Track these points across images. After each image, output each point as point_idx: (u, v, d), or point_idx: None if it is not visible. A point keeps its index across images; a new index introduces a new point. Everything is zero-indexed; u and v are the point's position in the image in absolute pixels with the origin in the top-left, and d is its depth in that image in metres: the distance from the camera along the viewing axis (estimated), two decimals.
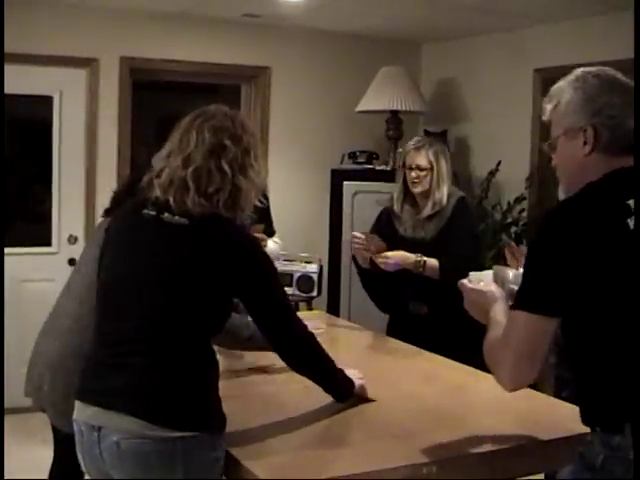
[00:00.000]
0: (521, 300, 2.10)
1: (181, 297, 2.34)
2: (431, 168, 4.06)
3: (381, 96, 6.51)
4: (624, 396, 2.04)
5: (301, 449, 2.53)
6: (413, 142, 4.18)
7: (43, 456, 3.57)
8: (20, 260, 5.85)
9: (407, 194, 4.18)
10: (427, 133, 6.79)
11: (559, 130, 2.21)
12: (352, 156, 6.77)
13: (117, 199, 3.33)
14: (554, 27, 5.96)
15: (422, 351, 3.68)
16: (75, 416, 2.43)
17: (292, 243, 6.61)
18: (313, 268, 6.45)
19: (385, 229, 4.26)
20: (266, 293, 2.48)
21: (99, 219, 3.34)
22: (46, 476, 3.40)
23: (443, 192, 4.06)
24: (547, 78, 5.86)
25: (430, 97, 6.97)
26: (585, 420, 2.14)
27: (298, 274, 6.22)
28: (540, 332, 2.06)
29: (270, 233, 4.80)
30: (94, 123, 6.07)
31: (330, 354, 2.68)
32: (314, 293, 6.43)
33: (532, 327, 2.06)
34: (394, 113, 6.62)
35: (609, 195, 2.08)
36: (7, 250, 5.96)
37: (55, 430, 3.25)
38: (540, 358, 2.08)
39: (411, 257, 3.95)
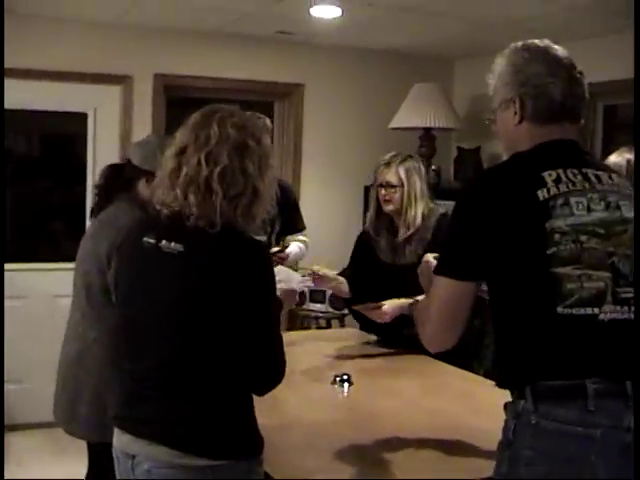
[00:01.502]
0: (440, 266, 2.23)
1: (197, 329, 2.21)
2: (401, 185, 3.90)
3: (414, 113, 6.49)
4: (524, 359, 2.13)
5: (340, 471, 2.50)
6: (385, 158, 4.00)
7: (77, 471, 3.58)
8: (53, 276, 5.91)
9: (381, 215, 4.04)
10: (460, 150, 6.77)
11: (496, 102, 2.32)
12: None
13: (102, 195, 3.32)
14: (584, 44, 5.92)
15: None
16: (114, 443, 2.40)
17: (325, 260, 6.60)
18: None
19: (364, 254, 4.16)
20: (261, 314, 2.25)
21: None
22: None
23: (417, 212, 3.89)
24: None
25: (463, 114, 6.93)
26: (500, 387, 2.22)
27: (330, 291, 6.21)
28: (458, 295, 2.18)
29: (299, 229, 4.77)
30: (128, 140, 6.08)
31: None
32: (346, 310, 6.42)
33: (450, 291, 2.19)
34: (427, 130, 6.60)
35: (527, 166, 2.18)
36: (40, 266, 6.06)
37: (88, 443, 3.27)
38: (460, 321, 2.21)
39: (405, 303, 3.72)
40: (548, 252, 2.07)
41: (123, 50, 6.11)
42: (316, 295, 6.32)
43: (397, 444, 2.73)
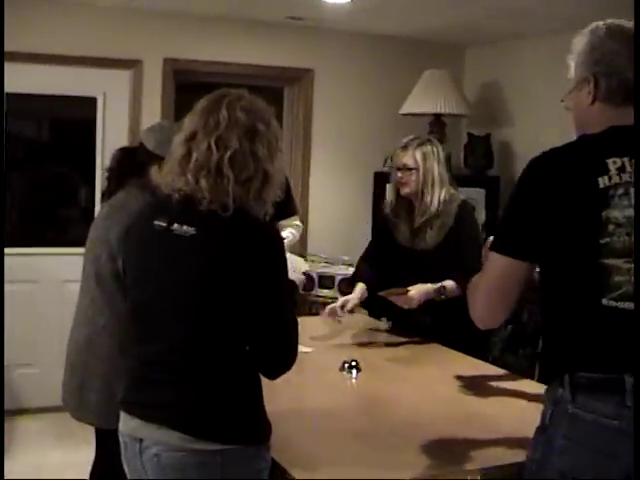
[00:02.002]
0: (495, 242, 2.21)
1: (210, 312, 2.21)
2: (417, 168, 3.86)
3: (424, 99, 6.46)
4: (565, 347, 2.13)
5: (349, 458, 2.50)
6: (403, 140, 3.98)
7: (85, 456, 3.57)
8: (62, 260, 5.90)
9: (400, 198, 4.01)
10: (470, 136, 6.74)
11: (573, 82, 2.25)
12: None
13: (113, 179, 3.31)
14: None
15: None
16: (120, 427, 2.40)
17: (334, 246, 6.60)
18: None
19: (383, 238, 4.13)
20: (273, 297, 2.25)
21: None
22: (87, 476, 3.40)
23: (433, 196, 3.86)
24: None
25: (474, 100, 6.90)
26: (541, 378, 2.22)
27: (340, 277, 6.21)
28: (510, 273, 2.16)
29: (291, 212, 4.69)
30: (137, 124, 6.06)
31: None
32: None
33: (503, 268, 2.17)
34: (437, 116, 6.57)
35: (592, 150, 2.13)
36: (49, 250, 6.06)
37: (96, 428, 3.26)
38: (511, 298, 2.19)
39: (430, 289, 3.76)
40: (601, 242, 2.04)
41: (133, 34, 6.10)
42: (325, 281, 6.32)
43: (406, 431, 2.72)
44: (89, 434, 3.33)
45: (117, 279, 2.90)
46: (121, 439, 2.40)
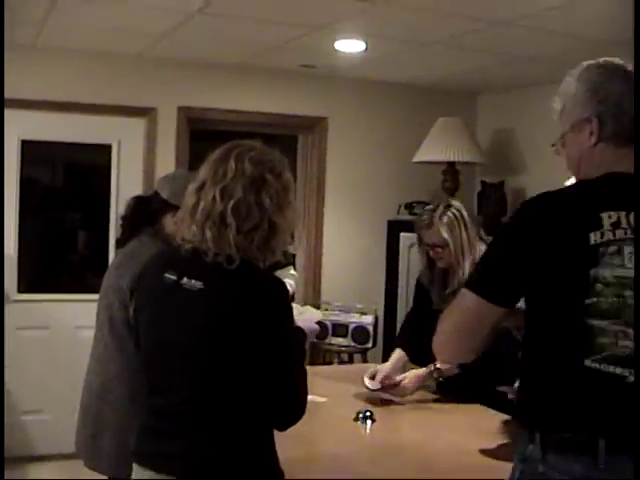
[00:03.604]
0: (472, 280, 2.15)
1: (216, 365, 2.19)
2: (447, 244, 3.76)
3: (438, 147, 6.46)
4: (540, 404, 2.06)
5: None
6: (424, 217, 3.83)
7: None
8: (75, 307, 5.91)
9: (433, 266, 3.91)
10: (484, 184, 6.74)
11: (567, 125, 2.20)
12: (408, 207, 6.71)
13: (127, 227, 3.33)
14: None
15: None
16: (133, 478, 2.37)
17: (347, 294, 6.59)
18: (368, 319, 6.44)
19: (421, 301, 4.05)
20: (280, 350, 2.22)
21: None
22: None
23: (465, 267, 3.74)
24: None
25: (487, 148, 6.92)
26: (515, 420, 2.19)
27: (353, 325, 6.20)
28: (481, 315, 2.09)
29: (285, 263, 4.64)
30: (152, 172, 6.09)
31: None
32: (369, 344, 6.41)
33: (475, 308, 2.09)
34: (451, 164, 6.58)
35: (587, 201, 2.04)
36: (62, 297, 6.06)
37: (109, 477, 3.24)
38: (476, 340, 2.12)
39: (424, 372, 3.72)
40: (587, 301, 1.95)
41: (147, 82, 6.15)
42: (339, 329, 6.30)
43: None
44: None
45: (129, 326, 2.90)
46: None
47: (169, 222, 3.16)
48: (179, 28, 5.04)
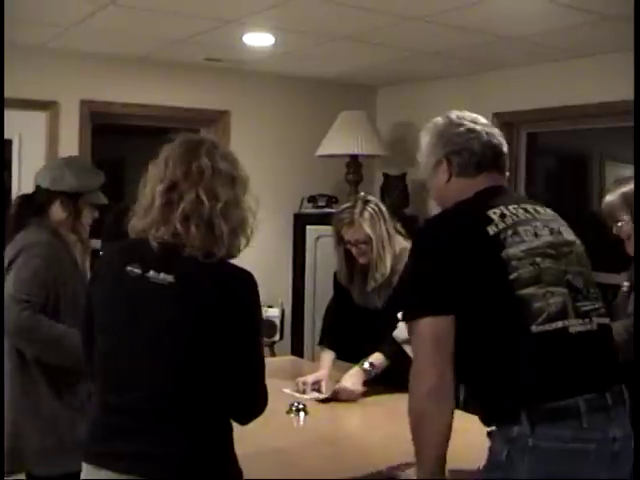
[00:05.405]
0: (414, 310, 2.25)
1: (189, 360, 2.18)
2: (370, 239, 3.82)
3: (341, 140, 6.53)
4: (510, 386, 2.18)
5: None
6: (343, 215, 3.88)
7: None
8: None
9: (352, 264, 3.97)
10: (386, 176, 6.84)
11: (427, 170, 2.51)
12: (312, 200, 6.76)
13: (14, 223, 3.38)
14: (512, 72, 6.08)
15: None
16: (84, 477, 2.31)
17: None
18: (275, 312, 6.47)
19: (342, 298, 4.11)
20: (252, 344, 2.27)
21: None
22: None
23: (387, 260, 3.83)
24: (506, 122, 5.97)
25: (389, 141, 7.01)
26: (485, 421, 2.29)
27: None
28: (442, 332, 2.19)
29: None
30: None
31: None
32: (276, 337, 6.44)
33: (434, 329, 2.19)
34: (354, 157, 6.65)
35: (471, 209, 2.37)
36: None
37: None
38: (450, 356, 2.19)
39: (360, 372, 3.72)
40: (510, 277, 2.20)
41: (49, 75, 5.99)
42: None
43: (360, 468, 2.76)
44: None
45: None
46: None
47: (55, 211, 3.34)
48: (87, 20, 4.93)
